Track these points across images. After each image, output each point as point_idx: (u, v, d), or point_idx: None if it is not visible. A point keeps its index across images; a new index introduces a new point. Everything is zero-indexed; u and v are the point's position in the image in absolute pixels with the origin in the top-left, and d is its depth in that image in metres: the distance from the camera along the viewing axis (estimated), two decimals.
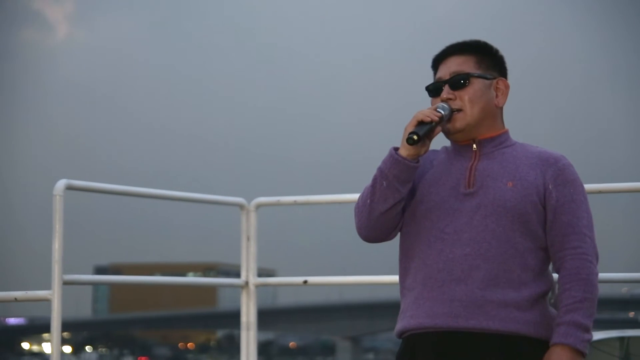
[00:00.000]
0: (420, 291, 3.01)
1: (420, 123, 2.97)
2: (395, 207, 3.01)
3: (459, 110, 3.06)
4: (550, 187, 3.00)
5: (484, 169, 3.04)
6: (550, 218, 3.00)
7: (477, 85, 3.08)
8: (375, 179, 3.01)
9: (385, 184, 2.98)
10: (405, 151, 2.97)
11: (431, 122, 2.97)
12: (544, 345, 2.96)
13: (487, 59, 3.12)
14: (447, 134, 3.10)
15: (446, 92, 3.08)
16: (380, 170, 3.00)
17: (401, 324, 3.06)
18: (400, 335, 3.07)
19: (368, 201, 3.02)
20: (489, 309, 2.93)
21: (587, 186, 4.08)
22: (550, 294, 3.07)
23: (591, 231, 3.01)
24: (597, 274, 2.98)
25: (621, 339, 5.39)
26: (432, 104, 3.11)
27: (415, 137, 2.94)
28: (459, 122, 3.06)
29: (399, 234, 3.13)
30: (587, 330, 2.91)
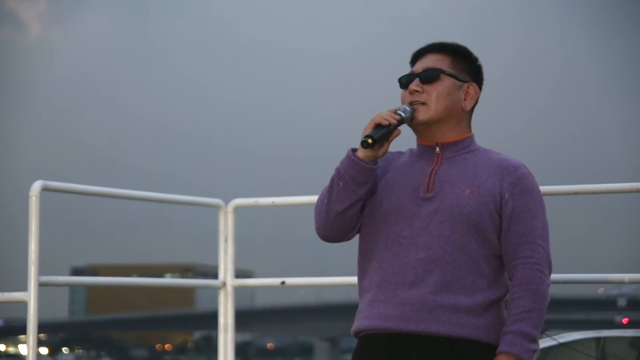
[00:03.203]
0: (375, 293, 3.03)
1: (378, 126, 2.98)
2: (352, 207, 3.03)
3: (424, 103, 3.07)
4: (506, 195, 3.01)
5: (444, 174, 3.05)
6: (505, 227, 3.01)
7: (446, 82, 3.08)
8: (332, 180, 3.03)
9: (342, 184, 3.00)
10: (362, 153, 2.98)
11: (389, 125, 2.98)
12: (495, 350, 2.96)
13: (464, 62, 3.13)
14: (412, 128, 3.11)
15: (415, 84, 3.09)
16: (338, 170, 3.02)
17: (356, 324, 3.09)
18: (356, 334, 3.10)
19: (325, 201, 3.04)
20: (440, 314, 2.95)
21: (565, 187, 4.11)
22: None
23: (545, 241, 3.01)
24: (548, 285, 2.99)
25: (597, 339, 5.42)
26: (401, 96, 3.12)
27: (369, 140, 2.95)
28: (422, 114, 3.07)
29: (358, 235, 3.14)
30: (533, 340, 2.93)
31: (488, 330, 2.98)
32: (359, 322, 3.07)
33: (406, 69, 3.18)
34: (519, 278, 2.96)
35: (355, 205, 3.03)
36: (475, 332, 2.96)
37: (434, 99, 3.07)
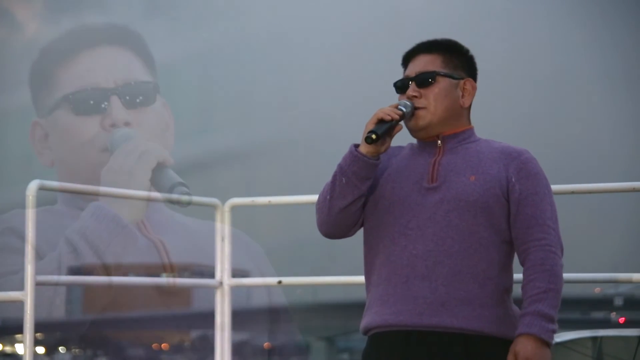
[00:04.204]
0: (385, 288, 3.01)
1: (381, 121, 2.99)
2: (354, 203, 3.03)
3: (423, 108, 3.07)
4: (513, 180, 3.01)
5: (447, 163, 3.05)
6: (513, 211, 3.01)
7: (442, 84, 3.09)
8: (335, 176, 3.03)
9: (345, 180, 3.00)
10: (365, 148, 2.98)
11: (391, 120, 2.99)
12: (507, 344, 2.97)
13: (456, 58, 3.13)
14: (411, 132, 3.12)
15: (412, 89, 3.09)
16: (340, 167, 3.01)
17: (366, 320, 3.06)
18: (366, 332, 3.07)
19: (328, 197, 3.04)
20: (453, 306, 2.94)
21: (562, 187, 4.10)
22: None
23: (555, 223, 3.02)
24: (561, 266, 2.99)
25: (594, 338, 5.43)
26: (399, 101, 3.12)
27: (373, 136, 2.96)
28: (422, 120, 3.07)
29: (360, 230, 3.13)
30: (552, 320, 2.92)
31: (499, 323, 2.97)
32: (369, 318, 3.04)
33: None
34: (532, 260, 2.96)
35: (358, 201, 3.03)
36: (488, 325, 2.95)
37: (433, 102, 3.07)
